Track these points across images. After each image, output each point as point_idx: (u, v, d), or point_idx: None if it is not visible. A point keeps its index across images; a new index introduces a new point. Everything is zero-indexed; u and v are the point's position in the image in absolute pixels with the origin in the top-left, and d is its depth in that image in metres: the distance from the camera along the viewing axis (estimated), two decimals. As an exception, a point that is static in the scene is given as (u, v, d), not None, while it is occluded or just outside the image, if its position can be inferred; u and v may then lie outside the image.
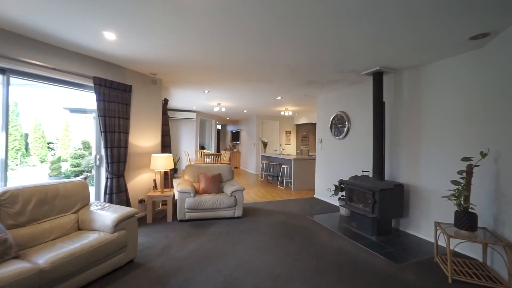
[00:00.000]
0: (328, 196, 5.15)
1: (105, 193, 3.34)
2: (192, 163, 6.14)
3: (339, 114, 4.82)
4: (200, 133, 11.79)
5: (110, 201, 3.33)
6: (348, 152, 4.63)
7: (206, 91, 5.35)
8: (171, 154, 3.97)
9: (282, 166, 6.65)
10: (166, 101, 4.81)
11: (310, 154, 9.16)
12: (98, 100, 3.25)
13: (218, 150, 14.04)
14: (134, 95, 3.85)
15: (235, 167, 11.58)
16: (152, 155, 3.80)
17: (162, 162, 3.75)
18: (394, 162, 3.66)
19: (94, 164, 3.47)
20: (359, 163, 4.36)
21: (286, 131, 10.16)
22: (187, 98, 6.30)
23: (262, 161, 8.13)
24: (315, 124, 9.76)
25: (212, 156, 6.14)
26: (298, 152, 9.98)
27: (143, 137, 4.03)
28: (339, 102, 4.92)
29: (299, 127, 10.04)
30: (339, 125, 4.83)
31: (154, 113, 4.24)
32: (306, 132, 9.48)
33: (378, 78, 3.55)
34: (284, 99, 6.10)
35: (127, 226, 2.42)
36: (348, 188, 3.70)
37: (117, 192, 3.40)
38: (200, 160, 6.91)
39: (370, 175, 3.95)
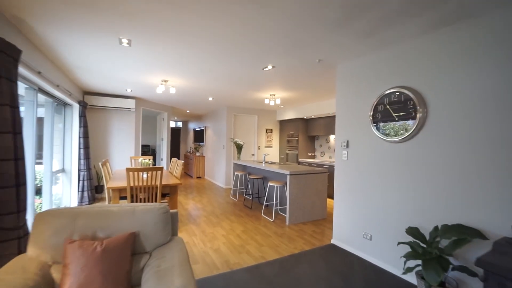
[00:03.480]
0: (362, 245, 2.75)
1: None
2: (109, 186, 3.29)
3: (398, 93, 2.44)
4: (148, 132, 8.71)
5: None
6: (423, 170, 2.26)
7: (125, 41, 2.57)
8: None
9: (270, 184, 4.12)
10: (8, 46, 1.95)
11: (299, 160, 6.79)
12: None
13: (173, 156, 11.04)
14: None
15: (198, 177, 8.76)
16: None
17: None
18: None
19: None
20: (451, 195, 2.01)
21: (266, 130, 7.66)
22: (96, 65, 3.39)
23: (236, 172, 5.52)
24: (306, 120, 7.26)
25: (157, 172, 3.21)
26: (283, 157, 7.55)
27: None
28: (397, 69, 2.54)
29: (283, 124, 7.61)
30: (397, 114, 2.44)
31: None
32: (294, 130, 7.08)
33: None
34: (276, 71, 3.57)
35: None
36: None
37: None
38: (134, 176, 3.76)
39: None
